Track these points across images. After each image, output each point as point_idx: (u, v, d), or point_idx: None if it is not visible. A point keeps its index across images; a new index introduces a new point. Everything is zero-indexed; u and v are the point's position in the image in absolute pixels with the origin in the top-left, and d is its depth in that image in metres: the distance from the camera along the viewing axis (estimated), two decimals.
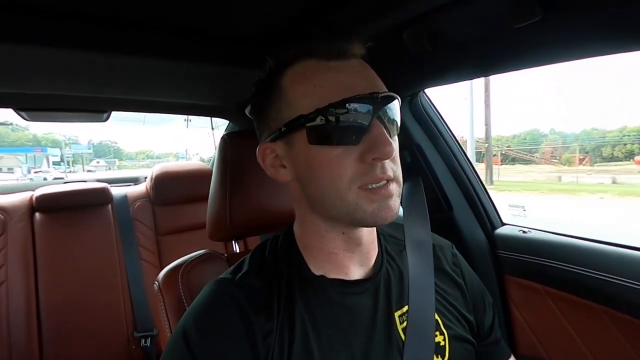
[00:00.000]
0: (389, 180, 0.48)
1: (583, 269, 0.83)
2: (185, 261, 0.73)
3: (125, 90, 1.29)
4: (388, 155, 0.47)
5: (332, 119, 0.46)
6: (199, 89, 1.34)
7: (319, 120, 0.47)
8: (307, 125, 0.48)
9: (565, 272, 0.86)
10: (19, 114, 1.37)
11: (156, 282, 0.72)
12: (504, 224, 1.09)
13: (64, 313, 1.53)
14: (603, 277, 0.79)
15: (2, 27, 0.75)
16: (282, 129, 0.50)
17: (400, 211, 0.76)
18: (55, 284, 1.55)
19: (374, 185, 0.48)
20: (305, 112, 0.48)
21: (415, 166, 1.02)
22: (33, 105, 1.33)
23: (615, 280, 0.77)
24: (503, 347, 0.67)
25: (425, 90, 1.02)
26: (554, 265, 0.89)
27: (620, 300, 0.77)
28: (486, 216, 1.07)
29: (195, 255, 0.75)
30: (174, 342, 0.48)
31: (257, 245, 0.61)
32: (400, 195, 0.51)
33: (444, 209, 1.04)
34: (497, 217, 1.09)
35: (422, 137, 1.03)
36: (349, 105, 0.46)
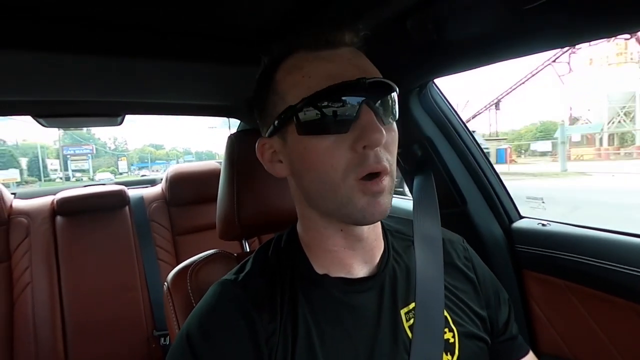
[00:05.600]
0: (383, 173, 0.47)
1: (606, 262, 0.78)
2: (194, 262, 0.73)
3: (137, 93, 1.31)
4: (377, 143, 0.45)
5: (320, 107, 0.45)
6: (209, 90, 1.35)
7: (306, 110, 0.46)
8: (296, 116, 0.47)
9: (588, 266, 0.82)
10: (37, 121, 1.41)
11: (165, 283, 0.72)
12: (522, 217, 1.05)
13: (86, 312, 1.58)
14: (628, 271, 0.75)
15: (16, 35, 0.77)
16: (276, 123, 0.50)
17: (410, 206, 0.74)
18: (77, 285, 1.61)
19: (367, 179, 0.46)
20: (293, 102, 0.47)
21: (426, 160, 0.99)
22: (49, 112, 1.36)
23: None
24: (520, 343, 0.65)
25: (436, 81, 0.99)
26: (576, 259, 0.84)
27: None
28: (503, 209, 1.03)
29: (203, 256, 0.75)
30: (178, 344, 0.49)
31: (261, 245, 0.61)
32: (392, 192, 0.49)
33: (457, 203, 1.01)
34: (514, 210, 1.05)
35: (433, 129, 1.00)
36: (335, 92, 0.45)
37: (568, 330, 0.89)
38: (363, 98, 0.46)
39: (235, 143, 0.76)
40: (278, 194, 0.73)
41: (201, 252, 0.76)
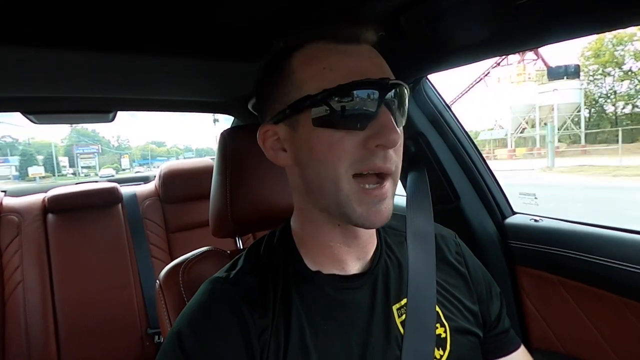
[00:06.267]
0: (386, 177, 0.47)
1: (599, 257, 0.79)
2: (186, 259, 0.72)
3: (128, 89, 1.29)
4: (393, 143, 0.45)
5: (339, 101, 0.45)
6: (201, 86, 1.34)
7: (325, 103, 0.45)
8: (314, 106, 0.46)
9: (580, 262, 0.82)
10: (27, 117, 1.38)
11: (157, 281, 0.72)
12: (514, 213, 1.05)
13: (79, 311, 1.57)
14: (620, 266, 0.75)
15: (6, 31, 0.76)
16: (287, 111, 0.49)
17: (403, 201, 0.74)
18: (69, 283, 1.59)
19: (368, 186, 0.46)
20: (312, 93, 0.46)
21: (419, 156, 0.99)
22: (40, 109, 1.34)
23: (633, 269, 0.74)
24: (512, 337, 0.65)
25: (429, 76, 0.99)
26: (568, 254, 0.85)
27: (639, 290, 0.73)
28: (496, 205, 1.03)
29: (196, 253, 0.74)
30: (168, 344, 0.48)
31: (254, 242, 0.61)
32: (393, 196, 0.49)
33: (450, 199, 1.01)
34: (507, 206, 1.05)
35: (426, 125, 1.00)
36: (358, 89, 0.45)
37: (560, 325, 0.90)
38: (383, 97, 0.46)
39: (228, 140, 0.75)
40: (271, 191, 0.73)
41: (195, 250, 0.75)
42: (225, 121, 1.78)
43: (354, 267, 0.55)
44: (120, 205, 1.81)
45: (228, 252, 0.78)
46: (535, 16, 0.58)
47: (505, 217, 1.03)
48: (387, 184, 0.47)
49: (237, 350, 0.46)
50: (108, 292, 1.63)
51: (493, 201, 1.03)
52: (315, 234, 0.54)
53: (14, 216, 1.60)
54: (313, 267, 0.54)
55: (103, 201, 1.76)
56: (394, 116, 0.46)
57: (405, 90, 0.49)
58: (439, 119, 1.00)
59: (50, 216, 1.67)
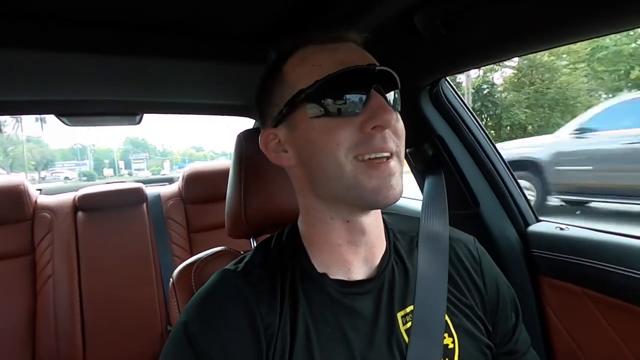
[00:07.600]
0: (390, 155, 0.47)
1: (628, 269, 0.74)
2: (199, 259, 0.73)
3: (154, 92, 1.34)
4: (388, 124, 0.46)
5: (332, 90, 0.47)
6: (223, 89, 1.37)
7: (318, 93, 0.47)
8: (308, 99, 0.48)
9: (609, 274, 0.77)
10: (60, 120, 1.46)
11: (171, 279, 0.73)
12: (538, 220, 1.00)
13: (103, 306, 1.63)
14: None
15: (41, 37, 0.81)
16: (284, 110, 0.50)
17: (418, 205, 0.72)
18: (95, 279, 1.65)
19: (371, 156, 0.46)
20: (305, 87, 0.48)
21: (437, 159, 0.97)
22: (72, 111, 1.42)
23: None
24: (532, 358, 0.61)
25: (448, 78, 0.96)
26: (596, 265, 0.80)
27: None
28: (518, 212, 0.98)
29: (209, 253, 0.75)
30: (176, 333, 0.49)
31: (264, 239, 0.61)
32: (402, 175, 0.49)
33: (469, 204, 0.97)
34: (530, 212, 1.00)
35: (444, 128, 0.96)
36: (347, 75, 0.47)
37: (587, 341, 0.84)
38: (372, 82, 0.47)
39: (244, 141, 0.76)
40: (285, 192, 0.73)
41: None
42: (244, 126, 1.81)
43: (359, 270, 0.54)
44: (145, 205, 1.87)
45: (242, 252, 0.78)
46: (557, 14, 0.55)
47: (528, 225, 0.98)
48: (392, 162, 0.48)
49: (244, 337, 0.47)
50: (131, 289, 1.68)
51: (515, 207, 0.98)
52: (322, 233, 0.54)
53: (47, 213, 1.69)
54: (320, 269, 0.53)
55: (129, 200, 1.83)
56: (386, 100, 0.48)
57: (394, 79, 0.50)
58: (458, 122, 0.96)
59: (80, 214, 1.75)
